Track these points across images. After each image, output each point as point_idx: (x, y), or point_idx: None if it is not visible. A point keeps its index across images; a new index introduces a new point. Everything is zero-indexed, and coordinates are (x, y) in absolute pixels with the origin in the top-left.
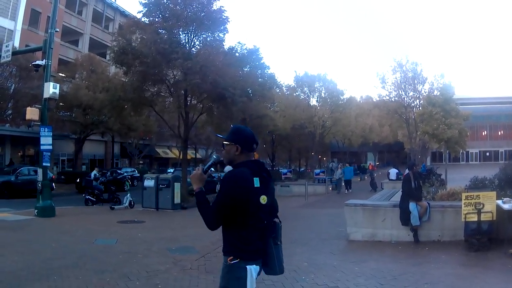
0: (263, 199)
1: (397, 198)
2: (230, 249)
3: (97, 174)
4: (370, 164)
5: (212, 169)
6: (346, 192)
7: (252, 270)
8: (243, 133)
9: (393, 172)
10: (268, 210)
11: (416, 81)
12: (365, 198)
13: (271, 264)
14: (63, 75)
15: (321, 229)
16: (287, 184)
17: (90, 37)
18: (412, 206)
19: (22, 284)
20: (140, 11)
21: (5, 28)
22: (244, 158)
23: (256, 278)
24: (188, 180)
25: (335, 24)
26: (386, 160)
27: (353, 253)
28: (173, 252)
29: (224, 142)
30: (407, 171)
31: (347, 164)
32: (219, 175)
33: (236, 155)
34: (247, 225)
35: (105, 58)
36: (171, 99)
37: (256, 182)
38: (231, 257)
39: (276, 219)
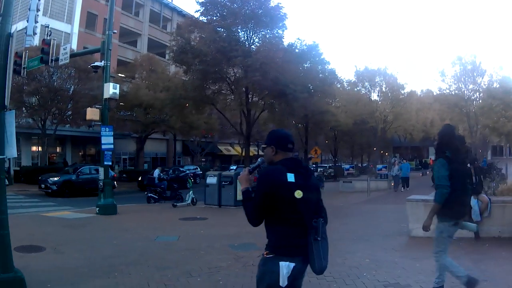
0: (298, 194)
1: None
2: (268, 243)
3: (161, 175)
4: (431, 159)
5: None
6: (402, 190)
7: (284, 266)
8: (276, 134)
9: None
10: (306, 206)
11: (475, 74)
12: (427, 194)
13: (311, 262)
14: (123, 75)
15: (383, 225)
16: (350, 180)
17: (148, 38)
18: (473, 201)
19: (83, 280)
20: (198, 10)
21: (62, 32)
22: (281, 157)
23: (296, 275)
24: (251, 177)
25: (393, 17)
26: None
27: (415, 250)
28: (235, 249)
29: (262, 146)
30: (468, 165)
31: (404, 160)
32: None
33: (273, 156)
34: (281, 220)
35: (164, 58)
36: (232, 96)
37: (290, 177)
38: (267, 251)
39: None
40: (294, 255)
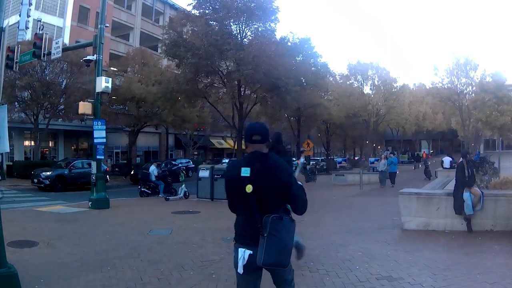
0: (248, 188)
1: (451, 186)
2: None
3: (159, 172)
4: (424, 152)
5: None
6: (392, 186)
7: (240, 252)
8: (248, 128)
9: (447, 160)
10: (257, 201)
11: (468, 67)
12: (419, 187)
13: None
14: (115, 69)
15: (376, 218)
16: (342, 173)
17: (140, 31)
18: (466, 195)
19: (76, 275)
20: (190, 4)
21: (54, 26)
22: (251, 150)
23: (253, 263)
24: None
25: (385, 11)
26: (439, 148)
27: (407, 243)
28: (228, 242)
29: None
30: (461, 159)
31: (391, 154)
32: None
33: (246, 149)
34: (239, 211)
35: (157, 51)
36: (225, 90)
37: (245, 172)
38: (234, 239)
39: (274, 212)
40: (250, 244)
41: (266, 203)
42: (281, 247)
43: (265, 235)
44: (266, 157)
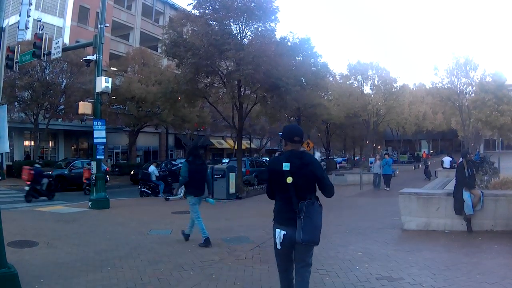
0: (289, 180)
1: (451, 186)
2: None
3: (160, 173)
4: (424, 152)
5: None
6: (387, 189)
7: (277, 232)
8: (284, 129)
9: (447, 160)
10: (295, 189)
11: (468, 67)
12: (419, 187)
13: (296, 233)
14: (115, 69)
15: (376, 218)
16: (342, 173)
17: (140, 31)
18: (465, 195)
19: (76, 275)
20: (190, 4)
21: (54, 25)
22: (289, 148)
23: (287, 241)
24: (243, 169)
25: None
26: (440, 148)
27: (407, 243)
28: (228, 242)
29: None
30: (461, 159)
31: (386, 155)
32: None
33: (284, 147)
34: (278, 198)
35: (157, 51)
36: (225, 90)
37: (286, 166)
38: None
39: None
40: (285, 225)
41: (301, 191)
42: (314, 227)
43: (302, 217)
44: (303, 155)
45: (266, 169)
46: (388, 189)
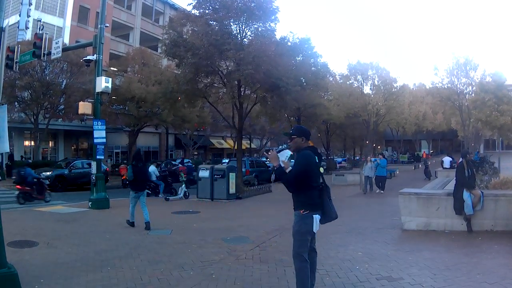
0: (321, 169)
1: (451, 186)
2: (301, 204)
3: (157, 173)
4: (424, 152)
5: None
6: (378, 192)
7: (316, 218)
8: (305, 129)
9: (447, 160)
10: (323, 177)
11: (468, 67)
12: (419, 187)
13: (328, 214)
14: (115, 69)
15: (376, 218)
16: (342, 173)
17: (140, 31)
18: (465, 195)
19: (76, 275)
20: (190, 4)
21: (54, 25)
22: (306, 145)
23: (318, 223)
24: (243, 169)
25: (386, 11)
26: (440, 148)
27: (407, 243)
28: (228, 242)
29: (293, 136)
30: (461, 159)
31: (380, 156)
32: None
33: (302, 143)
34: (312, 187)
35: (157, 51)
36: (225, 90)
37: (316, 159)
38: (303, 210)
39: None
40: (319, 210)
41: (323, 179)
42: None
43: (331, 199)
44: (316, 150)
45: (303, 159)
46: (382, 192)
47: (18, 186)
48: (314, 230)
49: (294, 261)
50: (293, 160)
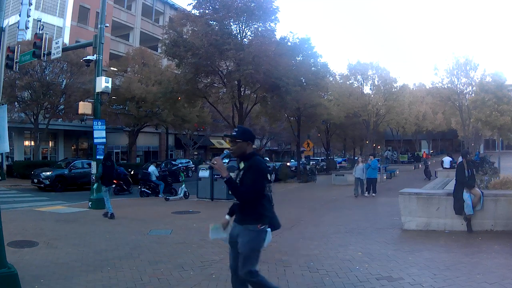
0: (270, 176)
1: (451, 186)
2: (257, 217)
3: (157, 173)
4: (424, 152)
5: (225, 160)
6: (367, 195)
7: (269, 230)
8: (251, 132)
9: (447, 160)
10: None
11: (468, 67)
12: (419, 187)
13: (276, 223)
14: (115, 69)
15: (376, 218)
16: (342, 173)
17: (140, 31)
18: (465, 195)
19: (76, 275)
20: (190, 4)
21: (54, 25)
22: (251, 150)
23: None
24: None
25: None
26: (440, 148)
27: (407, 243)
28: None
29: (237, 140)
30: (460, 159)
31: (371, 157)
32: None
33: (248, 149)
34: (264, 196)
35: (157, 51)
36: (225, 90)
37: None
38: (260, 224)
39: None
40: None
41: None
42: None
43: (273, 204)
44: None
45: (261, 168)
46: (374, 195)
47: (115, 181)
48: (266, 245)
49: (249, 280)
50: (232, 165)
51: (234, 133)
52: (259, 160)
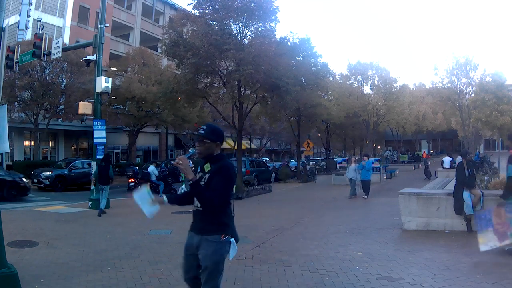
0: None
1: (451, 186)
2: (219, 227)
3: (157, 172)
4: (424, 152)
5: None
6: (366, 197)
7: (233, 240)
8: (220, 132)
9: (447, 160)
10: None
11: (468, 67)
12: (419, 187)
13: (236, 234)
14: (115, 69)
15: (375, 218)
16: (342, 173)
17: (140, 31)
18: (465, 194)
19: (76, 275)
20: (190, 4)
21: (54, 25)
22: (219, 151)
23: None
24: (243, 169)
25: (385, 11)
26: (440, 148)
27: (407, 243)
28: None
29: (205, 140)
30: (459, 158)
31: (365, 157)
32: (274, 164)
33: (216, 149)
34: (229, 204)
35: (157, 51)
36: (225, 90)
37: None
38: (223, 234)
39: None
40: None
41: None
42: None
43: (233, 215)
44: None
45: (232, 173)
46: (366, 197)
47: (130, 180)
48: (231, 258)
49: None
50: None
51: (202, 132)
52: (229, 164)
